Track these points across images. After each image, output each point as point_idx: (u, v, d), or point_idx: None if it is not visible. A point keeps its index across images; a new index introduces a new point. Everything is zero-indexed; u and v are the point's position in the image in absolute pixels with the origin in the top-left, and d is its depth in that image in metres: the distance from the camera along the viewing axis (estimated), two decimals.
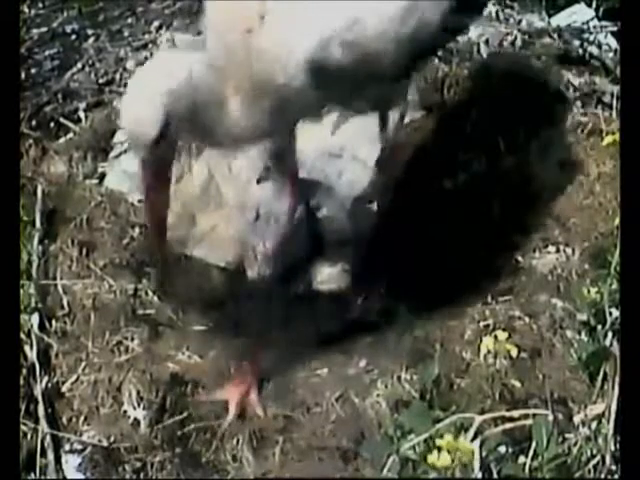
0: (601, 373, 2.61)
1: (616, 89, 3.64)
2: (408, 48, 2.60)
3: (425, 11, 2.62)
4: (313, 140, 3.18)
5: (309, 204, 3.23)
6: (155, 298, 3.10)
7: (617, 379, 2.47)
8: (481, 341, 2.66)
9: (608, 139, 2.89)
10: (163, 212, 2.59)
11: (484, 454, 2.33)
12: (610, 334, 2.64)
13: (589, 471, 2.40)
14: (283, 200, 3.16)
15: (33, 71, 3.65)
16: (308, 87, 2.51)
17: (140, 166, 2.52)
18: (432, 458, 2.23)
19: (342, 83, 2.56)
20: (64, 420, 2.84)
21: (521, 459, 2.36)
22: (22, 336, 2.85)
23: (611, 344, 2.63)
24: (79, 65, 3.76)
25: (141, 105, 2.43)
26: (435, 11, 2.65)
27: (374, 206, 3.30)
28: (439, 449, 2.23)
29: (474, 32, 3.94)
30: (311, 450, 2.75)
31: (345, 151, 3.32)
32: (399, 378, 2.85)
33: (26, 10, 3.84)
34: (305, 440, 2.77)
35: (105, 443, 2.78)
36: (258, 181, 3.22)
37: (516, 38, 3.93)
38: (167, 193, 2.58)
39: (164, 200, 2.58)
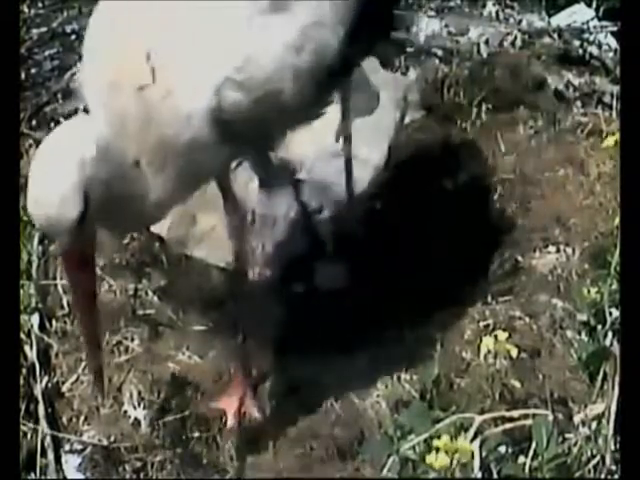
0: (601, 373, 2.61)
1: (616, 89, 3.64)
2: (309, 78, 2.39)
3: (322, 37, 2.41)
4: (313, 140, 3.19)
5: (305, 205, 3.23)
6: (155, 298, 3.11)
7: (617, 379, 2.47)
8: (481, 341, 2.66)
9: (608, 141, 2.89)
10: (93, 308, 2.35)
11: (484, 454, 2.33)
12: (610, 334, 2.64)
13: (589, 471, 2.40)
14: (279, 203, 3.17)
15: (33, 71, 3.65)
16: (215, 139, 2.31)
17: (61, 257, 2.29)
18: (430, 459, 2.23)
19: (248, 127, 2.35)
20: (64, 420, 2.84)
21: (521, 459, 2.36)
22: (22, 336, 2.85)
23: (611, 344, 2.63)
24: (79, 65, 3.75)
25: (54, 182, 2.14)
26: (333, 36, 2.43)
27: (375, 206, 3.31)
28: (437, 450, 2.23)
29: (474, 32, 3.95)
30: (311, 450, 2.75)
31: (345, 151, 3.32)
32: (399, 378, 2.85)
33: (26, 10, 3.84)
34: (304, 440, 2.77)
35: (105, 443, 2.78)
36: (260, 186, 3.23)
37: (516, 38, 3.93)
38: (94, 284, 2.33)
39: (92, 294, 2.33)
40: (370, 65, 3.61)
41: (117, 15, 2.31)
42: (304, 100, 2.42)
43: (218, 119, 2.28)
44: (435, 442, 2.25)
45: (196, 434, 2.80)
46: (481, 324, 2.94)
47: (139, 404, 2.84)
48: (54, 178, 2.13)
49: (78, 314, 2.43)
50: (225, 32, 2.29)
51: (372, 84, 3.32)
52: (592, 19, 4.02)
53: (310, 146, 3.23)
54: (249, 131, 2.36)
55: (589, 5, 4.06)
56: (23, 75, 3.55)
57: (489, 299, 3.03)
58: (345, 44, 2.45)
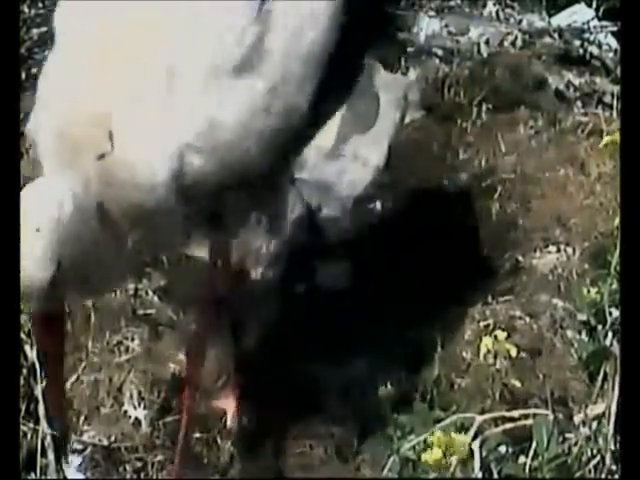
0: (601, 373, 2.60)
1: (616, 89, 3.64)
2: (275, 141, 2.26)
3: (289, 97, 2.25)
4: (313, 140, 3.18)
5: (310, 206, 3.23)
6: (155, 298, 3.10)
7: (617, 379, 2.47)
8: (481, 341, 2.66)
9: (605, 139, 2.89)
10: (59, 368, 2.28)
11: (484, 454, 2.33)
12: (610, 334, 2.64)
13: (589, 471, 2.40)
14: (287, 203, 3.16)
15: (33, 71, 3.65)
16: (179, 206, 2.18)
17: (32, 324, 2.27)
18: (425, 456, 2.23)
19: (211, 194, 2.23)
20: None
21: (521, 459, 2.36)
22: (22, 336, 2.85)
23: (611, 344, 2.62)
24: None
25: (26, 243, 2.06)
26: (301, 96, 2.26)
27: (375, 206, 3.30)
28: (430, 446, 2.24)
29: (474, 32, 3.95)
30: (311, 450, 2.75)
31: (346, 151, 3.32)
32: (399, 378, 2.85)
33: (26, 10, 3.84)
34: (305, 440, 2.77)
35: (105, 443, 2.78)
36: None
37: (516, 38, 3.93)
38: (62, 347, 2.26)
39: (60, 357, 2.26)
40: (370, 65, 3.62)
41: (72, 75, 2.19)
42: (270, 164, 2.28)
43: (180, 185, 2.16)
44: (429, 438, 2.25)
45: (196, 434, 2.80)
46: (481, 324, 2.94)
47: (139, 404, 2.84)
48: (26, 238, 2.06)
49: (44, 372, 2.40)
50: (186, 95, 2.16)
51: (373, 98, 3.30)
52: (592, 19, 4.02)
53: (310, 146, 3.23)
54: (212, 197, 2.24)
55: (589, 5, 4.07)
56: (23, 75, 3.55)
57: (489, 299, 3.03)
58: (314, 103, 2.30)
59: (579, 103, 3.71)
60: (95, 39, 2.18)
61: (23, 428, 2.73)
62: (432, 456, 2.22)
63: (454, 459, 2.25)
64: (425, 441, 2.31)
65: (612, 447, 2.39)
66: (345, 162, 3.31)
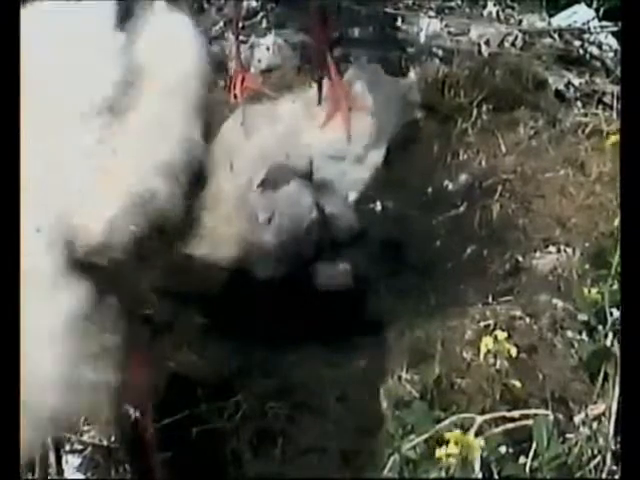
0: (602, 373, 2.61)
1: (616, 89, 3.64)
2: (180, 174, 2.22)
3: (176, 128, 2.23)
4: (314, 141, 3.19)
5: (319, 205, 3.21)
6: (155, 298, 3.10)
7: (617, 379, 2.47)
8: (481, 341, 2.66)
9: (612, 139, 2.89)
10: None
11: (484, 454, 2.33)
12: (610, 334, 2.64)
13: (590, 471, 2.40)
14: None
15: None
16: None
17: None
18: (440, 452, 2.23)
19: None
20: None
21: (522, 459, 2.36)
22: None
23: (611, 344, 2.63)
24: None
25: None
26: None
27: (375, 206, 3.31)
28: (447, 443, 2.23)
29: (474, 32, 3.95)
30: (311, 450, 2.75)
31: (347, 152, 3.33)
32: (399, 378, 2.85)
33: None
34: (305, 440, 2.77)
35: (105, 443, 2.78)
36: (259, 186, 3.23)
37: (516, 38, 3.93)
38: None
39: None
40: (371, 65, 3.62)
41: None
42: (181, 201, 2.25)
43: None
44: (447, 435, 2.25)
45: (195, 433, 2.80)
46: (481, 324, 2.94)
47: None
48: None
49: None
50: (73, 134, 2.13)
51: None
52: (592, 19, 4.03)
53: (311, 146, 3.23)
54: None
55: (589, 5, 4.07)
56: None
57: (489, 299, 3.03)
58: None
59: (579, 103, 3.71)
60: None
61: None
62: (449, 450, 2.22)
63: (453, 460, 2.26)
64: (427, 442, 2.32)
65: (612, 447, 2.39)
66: (346, 163, 3.31)
